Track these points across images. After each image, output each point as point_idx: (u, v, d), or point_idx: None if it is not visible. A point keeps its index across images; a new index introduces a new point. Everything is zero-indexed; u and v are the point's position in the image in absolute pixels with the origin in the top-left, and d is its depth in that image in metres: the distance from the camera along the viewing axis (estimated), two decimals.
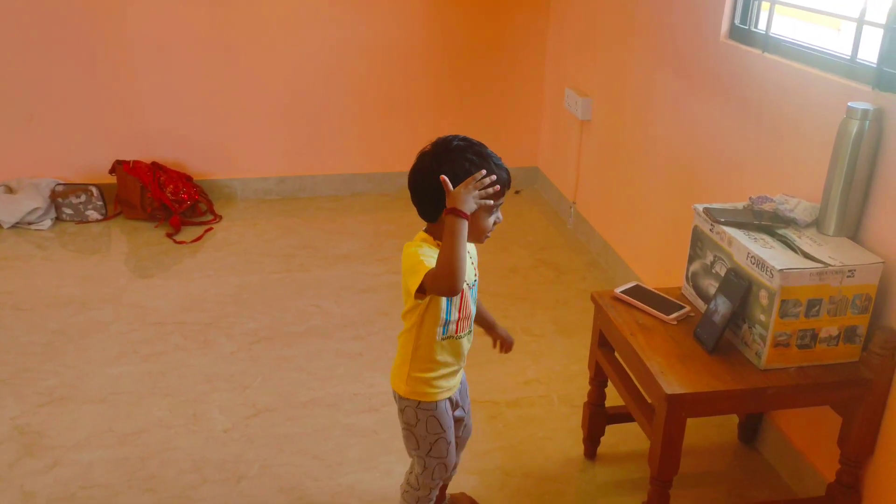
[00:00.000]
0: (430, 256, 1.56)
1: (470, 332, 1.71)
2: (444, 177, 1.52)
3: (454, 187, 1.52)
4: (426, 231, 1.66)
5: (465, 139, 1.61)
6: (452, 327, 1.66)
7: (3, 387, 2.48)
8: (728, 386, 1.68)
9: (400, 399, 1.72)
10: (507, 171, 1.61)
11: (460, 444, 1.89)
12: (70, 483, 2.09)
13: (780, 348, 1.70)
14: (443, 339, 1.65)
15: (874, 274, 1.68)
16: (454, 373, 1.72)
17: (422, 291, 1.55)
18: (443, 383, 1.70)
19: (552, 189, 4.06)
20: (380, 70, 3.95)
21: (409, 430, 1.73)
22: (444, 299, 1.61)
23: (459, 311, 1.65)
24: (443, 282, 1.50)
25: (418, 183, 1.60)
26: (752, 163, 2.26)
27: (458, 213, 1.50)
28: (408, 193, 1.63)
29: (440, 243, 1.59)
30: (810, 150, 1.98)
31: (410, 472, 1.83)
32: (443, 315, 1.63)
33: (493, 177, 1.54)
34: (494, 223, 1.63)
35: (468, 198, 1.52)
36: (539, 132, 4.24)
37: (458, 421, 1.82)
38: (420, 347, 1.65)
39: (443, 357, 1.67)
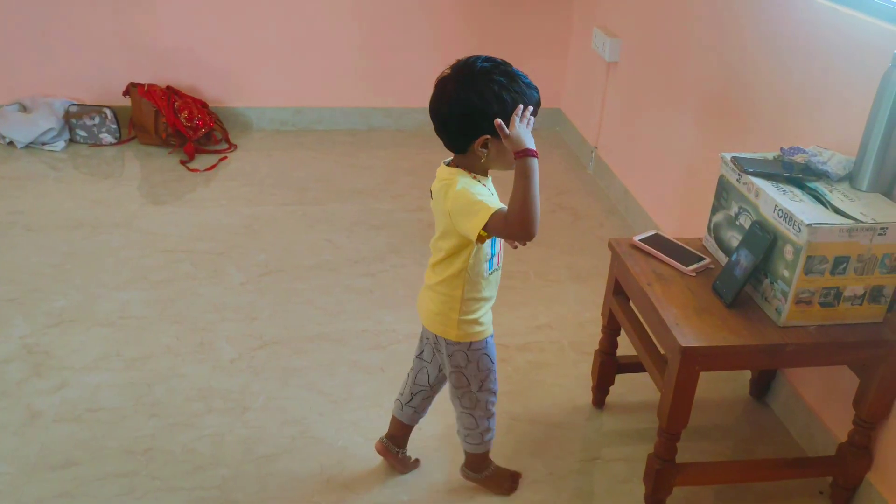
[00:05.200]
0: (481, 194, 1.48)
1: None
2: (499, 121, 1.42)
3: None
4: (454, 163, 1.55)
5: (488, 59, 1.50)
6: (496, 260, 1.62)
7: (13, 306, 2.48)
8: (745, 341, 1.63)
9: (449, 344, 1.67)
10: (536, 89, 1.51)
11: None
12: (77, 404, 2.09)
13: (801, 305, 1.64)
14: (490, 273, 1.61)
15: None
16: (491, 305, 1.69)
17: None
18: (488, 318, 1.68)
19: (573, 132, 3.96)
20: (399, 3, 3.82)
21: (460, 371, 1.70)
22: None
23: (500, 243, 1.61)
24: (521, 227, 1.43)
25: (444, 112, 1.49)
26: (784, 113, 2.16)
27: (530, 153, 1.42)
28: (426, 129, 1.55)
29: (476, 175, 1.52)
30: (851, 100, 1.88)
31: (460, 416, 1.79)
32: (489, 251, 1.58)
33: (531, 107, 1.46)
34: None
35: (528, 133, 1.43)
36: (564, 73, 4.12)
37: None
38: (468, 289, 1.60)
39: (488, 292, 1.64)
